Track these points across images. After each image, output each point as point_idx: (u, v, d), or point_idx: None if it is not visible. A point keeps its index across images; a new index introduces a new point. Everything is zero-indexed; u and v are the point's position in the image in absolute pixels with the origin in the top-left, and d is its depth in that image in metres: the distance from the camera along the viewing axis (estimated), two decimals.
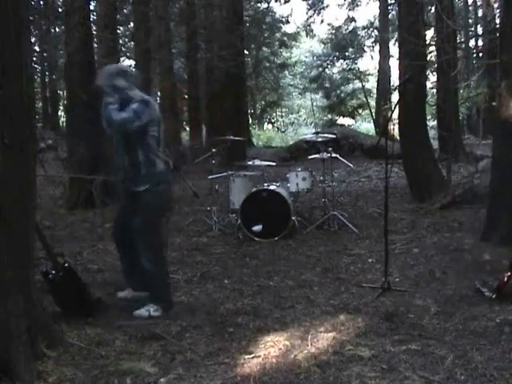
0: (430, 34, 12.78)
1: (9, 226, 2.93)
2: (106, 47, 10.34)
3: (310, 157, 8.14)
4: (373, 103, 26.56)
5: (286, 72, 32.00)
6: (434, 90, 15.27)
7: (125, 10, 17.99)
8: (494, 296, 3.99)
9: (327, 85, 29.95)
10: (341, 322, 3.71)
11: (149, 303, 3.98)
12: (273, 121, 37.68)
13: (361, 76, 28.34)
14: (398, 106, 7.82)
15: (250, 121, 28.77)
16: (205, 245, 6.37)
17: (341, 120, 31.13)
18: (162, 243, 4.24)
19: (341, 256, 5.69)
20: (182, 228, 7.25)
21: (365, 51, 27.46)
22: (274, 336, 3.51)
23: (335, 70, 30.19)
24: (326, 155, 7.17)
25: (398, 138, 10.84)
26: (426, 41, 9.23)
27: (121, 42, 15.67)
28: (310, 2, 23.85)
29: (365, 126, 30.58)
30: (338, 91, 30.21)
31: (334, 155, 7.19)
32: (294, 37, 27.43)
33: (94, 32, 10.49)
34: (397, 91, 20.07)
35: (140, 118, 3.91)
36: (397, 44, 15.65)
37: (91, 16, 10.79)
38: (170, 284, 4.27)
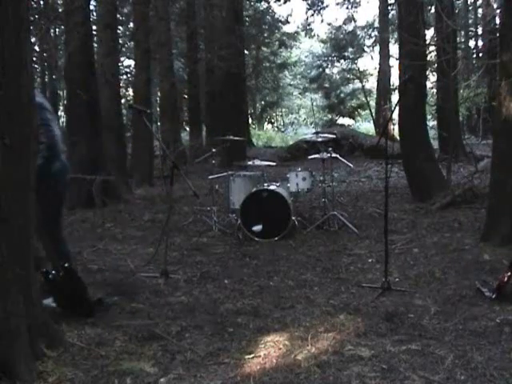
0: (429, 33, 12.82)
1: (9, 225, 2.93)
2: (106, 47, 10.35)
3: (309, 157, 8.14)
4: (373, 103, 26.57)
5: (286, 72, 32.05)
6: (434, 90, 15.29)
7: (125, 10, 18.01)
8: (493, 296, 3.99)
9: (327, 85, 29.98)
10: (341, 322, 3.71)
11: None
12: (273, 121, 37.71)
13: (361, 76, 28.35)
14: (398, 106, 7.82)
15: (250, 121, 28.80)
16: (205, 245, 6.37)
17: (341, 120, 31.16)
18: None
19: (341, 256, 5.69)
20: (182, 228, 7.26)
21: (365, 51, 27.49)
22: (274, 336, 3.51)
23: (335, 70, 30.25)
24: (326, 155, 7.17)
25: (398, 137, 10.86)
26: (426, 41, 9.23)
27: (121, 41, 15.66)
28: (309, 1, 23.86)
29: (365, 126, 30.63)
30: (338, 91, 30.24)
31: (334, 155, 7.19)
32: (294, 37, 27.45)
33: (94, 32, 10.50)
34: (397, 91, 20.13)
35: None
36: (397, 44, 15.67)
37: (91, 16, 10.79)
38: None
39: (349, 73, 28.88)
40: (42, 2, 15.74)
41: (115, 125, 10.53)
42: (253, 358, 3.20)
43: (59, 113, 25.85)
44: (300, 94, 34.73)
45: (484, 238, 5.69)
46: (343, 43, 26.91)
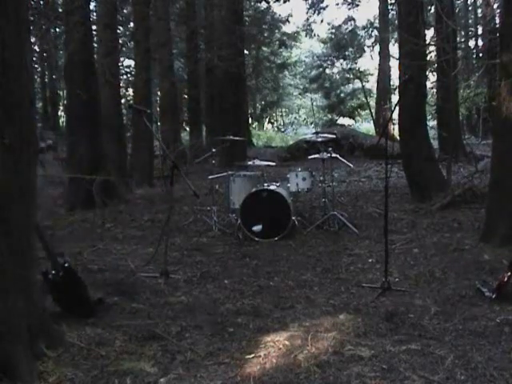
0: (430, 33, 12.83)
1: (9, 226, 2.93)
2: (105, 47, 10.36)
3: (309, 157, 8.14)
4: (373, 103, 26.57)
5: (286, 72, 32.04)
6: (434, 90, 15.30)
7: (125, 10, 18.00)
8: (493, 296, 3.99)
9: (327, 85, 29.98)
10: (341, 322, 3.71)
11: None
12: (273, 121, 37.72)
13: (361, 76, 28.35)
14: (398, 106, 7.82)
15: (250, 121, 28.80)
16: (205, 245, 6.37)
17: (341, 120, 31.16)
18: None
19: (341, 256, 5.69)
20: (182, 228, 7.26)
21: (365, 51, 27.51)
22: (274, 336, 3.51)
23: (335, 70, 30.24)
24: (326, 155, 7.17)
25: (398, 137, 10.85)
26: (425, 41, 9.24)
27: (121, 41, 15.66)
28: (309, 1, 23.87)
29: (365, 125, 30.64)
30: (338, 91, 30.25)
31: (334, 155, 7.19)
32: (294, 37, 27.45)
33: (94, 32, 10.50)
34: (397, 91, 20.13)
35: None
36: (397, 44, 15.67)
37: (91, 16, 10.79)
38: None
39: (349, 73, 28.88)
40: (41, 2, 15.73)
41: (115, 125, 10.53)
42: (253, 357, 3.20)
43: (59, 113, 25.86)
44: (300, 94, 34.73)
45: (484, 238, 5.68)
46: (343, 43, 26.94)
